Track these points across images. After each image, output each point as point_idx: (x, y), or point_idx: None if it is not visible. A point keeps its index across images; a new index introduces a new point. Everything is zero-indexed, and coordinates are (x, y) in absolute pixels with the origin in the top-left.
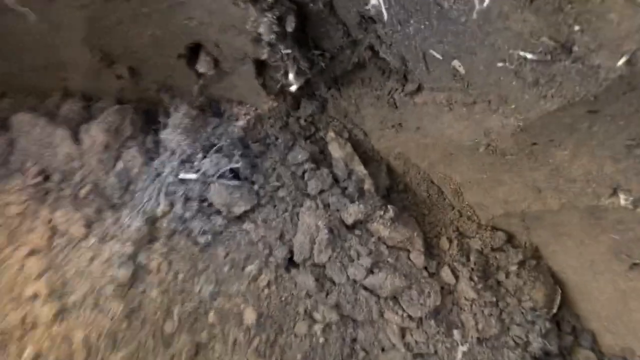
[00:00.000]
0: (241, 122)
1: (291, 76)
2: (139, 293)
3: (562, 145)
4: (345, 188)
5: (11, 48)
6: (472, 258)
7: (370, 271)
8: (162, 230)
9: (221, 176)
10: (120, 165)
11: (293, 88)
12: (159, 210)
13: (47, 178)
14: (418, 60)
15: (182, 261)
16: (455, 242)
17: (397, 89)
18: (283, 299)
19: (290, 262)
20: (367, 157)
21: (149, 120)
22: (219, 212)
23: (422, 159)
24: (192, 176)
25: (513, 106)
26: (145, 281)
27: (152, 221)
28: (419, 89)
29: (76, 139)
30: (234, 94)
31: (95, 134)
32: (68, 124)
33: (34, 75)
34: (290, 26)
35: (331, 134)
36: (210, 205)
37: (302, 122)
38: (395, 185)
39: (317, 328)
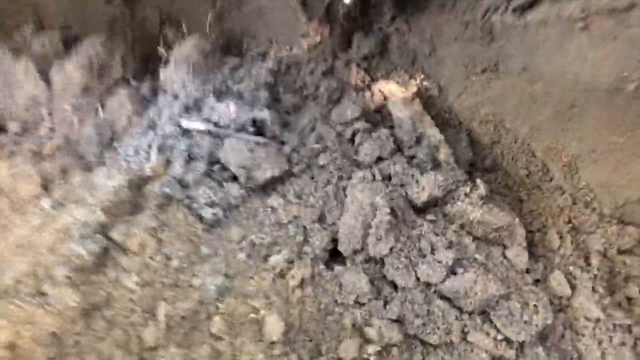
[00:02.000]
0: (270, 64)
1: None
2: (108, 282)
3: None
4: (413, 157)
5: None
6: (593, 262)
7: (451, 271)
8: (151, 197)
9: (240, 129)
10: (102, 114)
11: (347, 0)
12: (149, 168)
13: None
14: None
15: (178, 242)
16: (568, 238)
17: (497, 7)
18: (322, 306)
19: (334, 255)
20: (442, 120)
21: (149, 61)
22: (234, 179)
23: (523, 121)
24: (199, 126)
25: None
26: (120, 266)
27: (137, 183)
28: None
29: (47, 79)
30: (261, 26)
31: (70, 72)
32: (40, 61)
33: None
34: None
35: (393, 86)
36: (224, 168)
37: (353, 67)
38: (479, 161)
39: (372, 351)
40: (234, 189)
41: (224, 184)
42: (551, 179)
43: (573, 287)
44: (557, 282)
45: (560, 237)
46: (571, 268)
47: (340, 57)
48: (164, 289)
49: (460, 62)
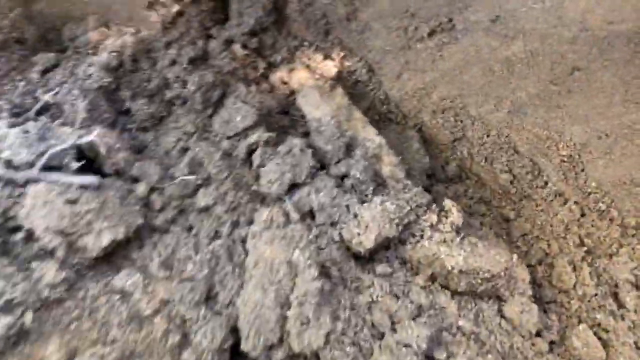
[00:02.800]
0: (104, 57)
1: None
2: None
3: None
4: (344, 176)
5: None
6: (627, 300)
7: (427, 358)
8: None
9: (54, 167)
10: None
11: None
12: None
13: None
14: None
15: None
16: (584, 268)
17: None
18: None
19: (236, 356)
20: (379, 114)
21: None
22: (49, 254)
23: (498, 102)
24: None
25: None
26: None
27: None
28: None
29: None
30: (89, 3)
31: None
32: None
33: None
34: None
35: (301, 72)
36: (29, 237)
37: (236, 48)
38: (439, 169)
39: None
40: (49, 273)
41: (31, 264)
42: (546, 183)
43: (606, 345)
44: (583, 341)
45: (574, 269)
46: (598, 316)
47: (215, 35)
48: None
49: (395, 24)
